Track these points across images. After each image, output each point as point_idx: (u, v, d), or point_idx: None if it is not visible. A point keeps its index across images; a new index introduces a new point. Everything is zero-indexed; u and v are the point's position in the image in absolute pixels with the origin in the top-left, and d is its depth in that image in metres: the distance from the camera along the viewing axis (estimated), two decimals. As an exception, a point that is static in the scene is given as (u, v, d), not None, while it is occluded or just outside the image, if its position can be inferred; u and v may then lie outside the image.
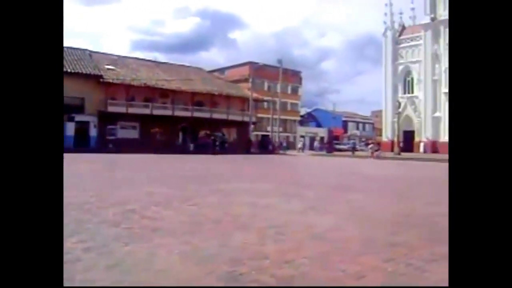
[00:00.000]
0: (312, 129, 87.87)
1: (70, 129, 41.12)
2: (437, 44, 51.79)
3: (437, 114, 50.85)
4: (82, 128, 42.99)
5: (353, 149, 52.24)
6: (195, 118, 50.30)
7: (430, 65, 52.08)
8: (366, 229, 6.28)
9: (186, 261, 4.35)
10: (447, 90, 48.59)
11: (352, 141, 67.10)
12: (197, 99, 52.21)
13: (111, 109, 45.11)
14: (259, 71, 67.27)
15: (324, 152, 51.28)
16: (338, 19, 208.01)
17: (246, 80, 64.56)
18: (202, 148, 44.26)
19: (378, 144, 63.05)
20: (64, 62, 41.50)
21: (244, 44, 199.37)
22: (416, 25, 56.88)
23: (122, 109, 45.77)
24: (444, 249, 5.12)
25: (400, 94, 55.59)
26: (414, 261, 4.59)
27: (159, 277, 3.79)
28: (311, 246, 5.02)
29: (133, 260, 4.26)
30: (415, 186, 14.44)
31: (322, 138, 76.40)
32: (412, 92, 54.99)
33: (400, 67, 56.43)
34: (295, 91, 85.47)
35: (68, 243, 4.68)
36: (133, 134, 47.65)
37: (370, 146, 44.26)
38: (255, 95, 55.85)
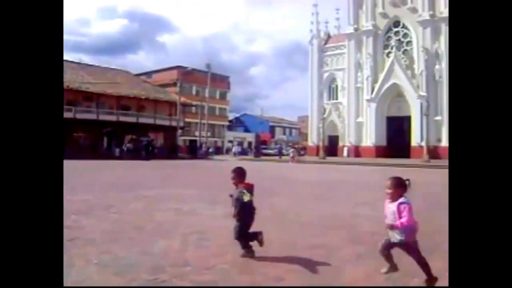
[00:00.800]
0: (240, 134, 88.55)
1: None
2: (359, 53, 53.86)
3: (359, 119, 52.86)
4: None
5: (280, 153, 53.15)
6: (121, 123, 48.75)
7: (353, 73, 54.04)
8: (287, 232, 6.46)
9: (105, 271, 4.27)
10: (368, 97, 50.84)
11: (278, 145, 68.33)
12: (123, 103, 50.88)
13: (29, 112, 42.58)
14: (187, 76, 66.80)
15: (252, 157, 51.67)
16: (267, 26, 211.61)
17: (174, 84, 63.90)
18: (128, 153, 43.09)
19: (304, 148, 64.70)
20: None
21: (172, 48, 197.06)
22: (340, 34, 59.01)
23: (41, 113, 43.31)
24: (361, 248, 5.40)
25: (325, 100, 57.19)
26: (332, 261, 4.80)
27: (75, 288, 3.70)
28: (233, 251, 5.09)
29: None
30: (333, 189, 14.93)
31: (250, 143, 77.04)
32: (337, 99, 56.77)
33: (326, 74, 58.11)
34: (223, 96, 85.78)
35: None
36: (54, 139, 45.29)
37: (291, 150, 45.25)
38: (183, 99, 55.31)
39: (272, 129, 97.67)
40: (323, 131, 50.13)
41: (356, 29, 54.44)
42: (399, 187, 3.86)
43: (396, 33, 51.44)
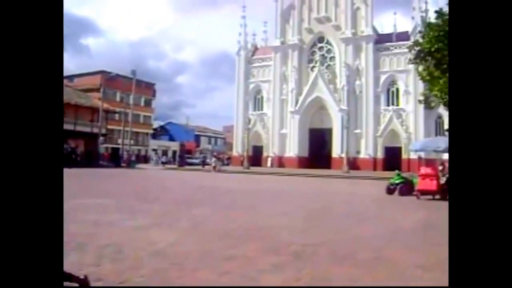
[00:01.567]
0: (164, 143, 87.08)
1: None
2: (285, 66, 55.10)
3: (283, 131, 53.93)
4: None
5: (203, 163, 52.94)
6: (38, 128, 46.36)
7: (279, 85, 55.14)
8: (205, 244, 6.46)
9: None
10: (293, 109, 52.00)
11: (203, 155, 68.00)
12: (40, 107, 48.38)
13: None
14: (111, 81, 64.88)
15: (176, 166, 51.02)
16: (195, 35, 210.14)
17: (97, 90, 61.50)
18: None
19: (228, 158, 64.88)
20: None
21: (97, 52, 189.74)
22: (267, 46, 60.07)
23: None
24: (278, 258, 5.51)
25: (250, 111, 57.82)
26: (248, 272, 4.87)
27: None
28: (150, 263, 5.03)
29: None
30: (252, 198, 15.07)
31: (174, 152, 75.93)
32: (262, 110, 57.57)
33: (252, 85, 58.77)
34: (148, 103, 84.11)
35: None
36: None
37: (213, 160, 45.47)
38: (106, 105, 53.49)
39: (197, 138, 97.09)
40: (247, 141, 50.67)
41: (282, 43, 55.77)
42: None
43: (321, 48, 53.28)
